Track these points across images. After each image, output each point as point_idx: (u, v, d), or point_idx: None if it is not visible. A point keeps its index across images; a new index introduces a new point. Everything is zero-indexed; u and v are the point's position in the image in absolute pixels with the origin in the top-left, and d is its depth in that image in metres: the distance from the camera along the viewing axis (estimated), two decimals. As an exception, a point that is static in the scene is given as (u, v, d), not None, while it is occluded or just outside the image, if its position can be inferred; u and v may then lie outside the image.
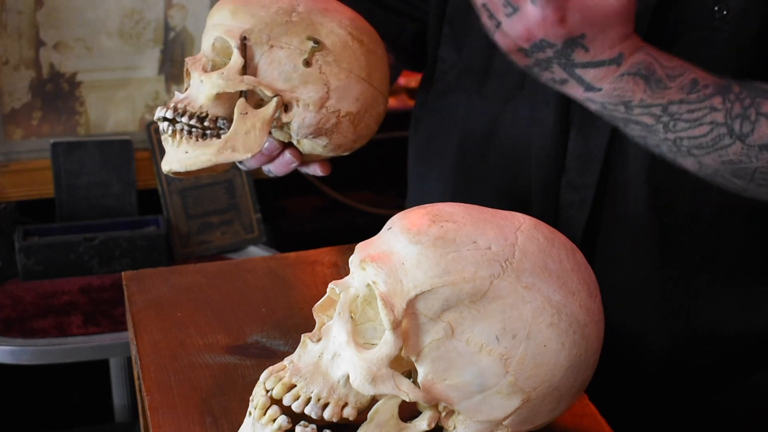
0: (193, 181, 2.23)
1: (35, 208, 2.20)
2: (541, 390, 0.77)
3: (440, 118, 1.29)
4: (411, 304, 0.76)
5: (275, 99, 0.96)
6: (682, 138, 1.03)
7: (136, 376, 1.05)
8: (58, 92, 2.19)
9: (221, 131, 0.98)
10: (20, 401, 2.45)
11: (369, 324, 0.81)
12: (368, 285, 0.79)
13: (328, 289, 0.82)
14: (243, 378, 0.95)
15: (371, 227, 0.98)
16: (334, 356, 0.79)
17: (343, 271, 1.15)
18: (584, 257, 0.83)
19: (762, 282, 1.17)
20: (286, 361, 0.81)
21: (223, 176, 2.24)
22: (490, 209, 0.82)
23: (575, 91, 1.01)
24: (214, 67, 0.99)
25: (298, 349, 0.81)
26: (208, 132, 0.98)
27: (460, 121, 1.26)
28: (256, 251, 2.16)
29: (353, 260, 0.80)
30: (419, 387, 0.77)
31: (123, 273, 1.18)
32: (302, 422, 0.79)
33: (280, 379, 0.80)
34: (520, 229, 0.79)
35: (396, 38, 1.31)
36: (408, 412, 0.80)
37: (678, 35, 1.09)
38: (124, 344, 1.87)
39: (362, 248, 0.80)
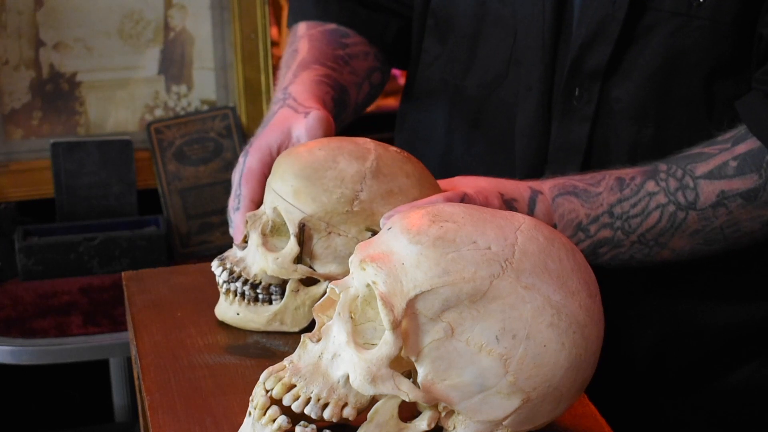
0: (193, 182, 2.23)
1: (35, 208, 2.20)
2: (541, 390, 0.77)
3: (425, 110, 1.29)
4: (411, 304, 0.76)
5: (327, 283, 0.97)
6: (644, 233, 1.05)
7: (136, 376, 1.05)
8: (58, 92, 2.19)
9: (272, 297, 1.02)
10: (20, 401, 2.45)
11: (369, 324, 0.81)
12: (368, 285, 0.79)
13: (328, 289, 0.82)
14: (243, 378, 0.95)
15: (371, 227, 0.99)
16: (334, 356, 0.79)
17: (343, 271, 1.15)
18: (584, 257, 0.83)
19: (743, 272, 1.18)
20: (286, 361, 0.81)
21: (223, 176, 2.24)
22: (489, 209, 0.82)
23: None
24: (274, 228, 1.01)
25: (298, 349, 0.82)
26: (260, 297, 1.02)
27: (445, 114, 1.25)
28: (256, 251, 2.16)
29: (353, 260, 0.80)
30: (419, 387, 0.77)
31: (123, 273, 1.18)
32: (302, 422, 0.79)
33: (280, 379, 0.80)
34: (520, 229, 0.79)
35: (381, 36, 1.31)
36: (408, 412, 0.80)
37: (655, 24, 1.09)
38: (124, 344, 1.86)
39: (362, 248, 0.80)
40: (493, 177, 1.11)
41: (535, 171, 1.16)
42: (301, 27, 1.31)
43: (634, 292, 1.17)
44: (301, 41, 1.27)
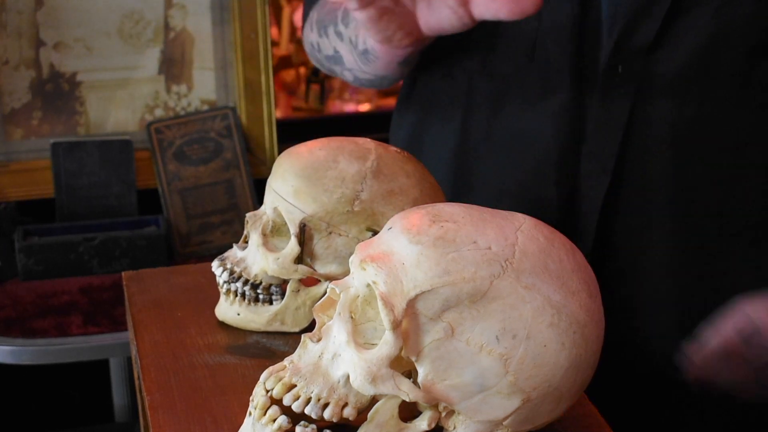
0: (193, 182, 2.23)
1: (35, 208, 2.20)
2: (541, 390, 0.77)
3: (438, 93, 1.27)
4: (411, 304, 0.76)
5: (327, 283, 0.97)
6: None
7: (136, 376, 1.05)
8: (58, 92, 2.19)
9: (273, 297, 1.03)
10: (20, 401, 2.45)
11: (369, 324, 0.81)
12: (368, 285, 0.79)
13: (328, 289, 0.82)
14: (243, 378, 0.95)
15: (371, 227, 0.99)
16: (334, 356, 0.79)
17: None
18: (584, 257, 0.83)
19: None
20: (286, 361, 0.81)
21: (223, 176, 2.24)
22: (490, 209, 0.82)
23: None
24: (274, 228, 1.01)
25: (298, 349, 0.82)
26: (260, 297, 1.03)
27: (462, 97, 1.23)
28: (256, 251, 2.16)
29: (353, 260, 0.80)
30: (419, 387, 0.77)
31: (123, 273, 1.18)
32: (302, 422, 0.79)
33: (280, 379, 0.80)
34: (520, 229, 0.79)
35: None
36: (408, 412, 0.80)
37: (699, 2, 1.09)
38: (124, 344, 1.86)
39: (362, 248, 0.80)
40: (518, 161, 1.13)
41: (571, 151, 1.15)
42: None
43: (673, 264, 1.16)
44: None
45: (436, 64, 1.24)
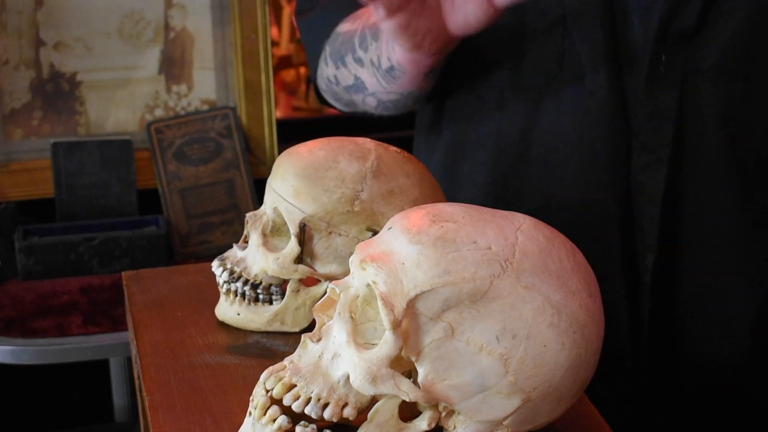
0: (193, 182, 2.23)
1: (35, 208, 2.20)
2: (541, 390, 0.77)
3: (468, 116, 1.25)
4: (411, 304, 0.76)
5: (327, 283, 0.97)
6: None
7: (136, 376, 1.05)
8: (58, 92, 2.20)
9: (273, 297, 1.03)
10: (20, 401, 2.45)
11: (369, 324, 0.81)
12: (368, 285, 0.79)
13: (328, 289, 0.82)
14: (243, 378, 0.95)
15: (371, 227, 0.99)
16: (334, 356, 0.79)
17: (343, 271, 1.15)
18: (584, 257, 0.83)
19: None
20: (286, 361, 0.81)
21: (223, 176, 2.24)
22: (490, 209, 0.82)
23: None
24: (274, 228, 1.01)
25: (298, 349, 0.81)
26: (260, 297, 1.03)
27: (493, 118, 1.21)
28: (256, 251, 2.16)
29: (353, 260, 0.80)
30: (419, 387, 0.77)
31: (123, 273, 1.18)
32: (302, 422, 0.79)
33: (280, 379, 0.80)
34: (520, 229, 0.79)
35: None
36: (408, 412, 0.80)
37: None
38: (124, 344, 1.87)
39: (362, 248, 0.80)
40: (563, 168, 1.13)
41: (620, 149, 1.14)
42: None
43: (739, 244, 1.16)
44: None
45: (463, 86, 1.24)
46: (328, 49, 1.24)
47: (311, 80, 1.33)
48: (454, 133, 1.26)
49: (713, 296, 1.17)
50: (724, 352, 1.18)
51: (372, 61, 1.15)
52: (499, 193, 1.21)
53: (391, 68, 1.13)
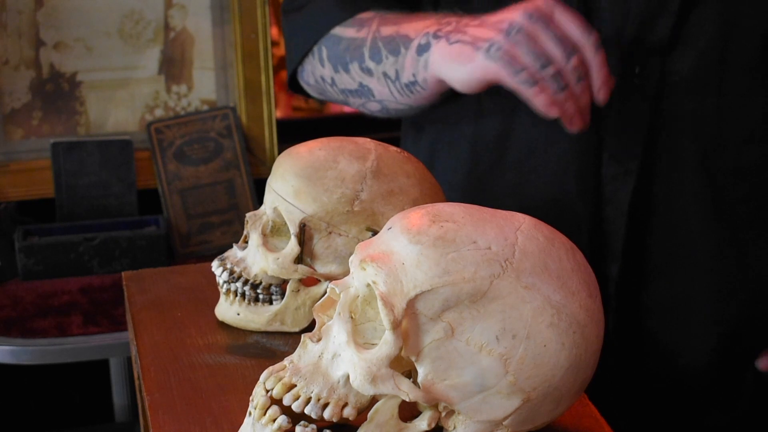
0: (193, 182, 2.23)
1: (35, 208, 2.20)
2: (541, 390, 0.77)
3: (447, 116, 1.26)
4: (411, 304, 0.76)
5: (327, 283, 0.97)
6: None
7: (136, 376, 1.05)
8: (58, 92, 2.20)
9: (273, 297, 1.03)
10: (20, 401, 2.45)
11: (369, 324, 0.81)
12: (368, 285, 0.79)
13: (328, 289, 0.82)
14: (243, 378, 0.95)
15: (371, 227, 0.99)
16: (334, 356, 0.79)
17: (343, 271, 1.14)
18: (584, 257, 0.83)
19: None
20: (286, 361, 0.81)
21: (223, 176, 2.24)
22: (489, 209, 0.82)
23: None
24: (274, 228, 1.02)
25: (298, 349, 0.81)
26: (260, 297, 1.03)
27: (471, 119, 1.22)
28: (256, 251, 2.16)
29: (353, 260, 0.80)
30: (419, 387, 0.77)
31: (123, 273, 1.18)
32: (302, 422, 0.79)
33: (280, 379, 0.80)
34: (520, 229, 0.79)
35: None
36: (408, 412, 0.80)
37: None
38: (124, 344, 1.87)
39: (362, 248, 0.80)
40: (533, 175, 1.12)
41: (591, 159, 1.15)
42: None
43: (706, 260, 1.16)
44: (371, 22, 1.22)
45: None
46: (325, 51, 1.24)
47: (289, 73, 1.33)
48: (435, 132, 1.28)
49: (680, 307, 1.17)
50: (688, 359, 1.18)
51: (386, 74, 1.16)
52: (474, 197, 1.22)
53: (413, 83, 1.14)
